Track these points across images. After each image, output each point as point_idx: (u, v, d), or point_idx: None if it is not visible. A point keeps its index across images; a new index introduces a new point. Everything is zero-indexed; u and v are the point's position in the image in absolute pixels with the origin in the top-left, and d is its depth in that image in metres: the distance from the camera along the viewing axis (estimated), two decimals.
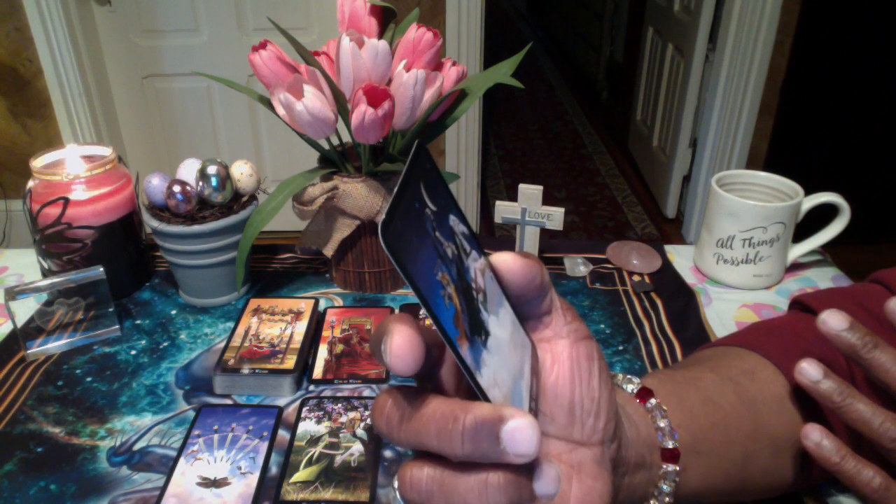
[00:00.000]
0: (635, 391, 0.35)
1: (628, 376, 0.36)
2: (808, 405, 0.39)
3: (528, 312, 0.29)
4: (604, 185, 2.97)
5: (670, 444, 0.34)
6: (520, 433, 0.22)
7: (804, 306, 0.47)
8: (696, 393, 0.38)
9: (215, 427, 0.53)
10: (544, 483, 0.25)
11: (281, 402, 0.56)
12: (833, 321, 0.36)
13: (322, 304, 0.68)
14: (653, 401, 0.35)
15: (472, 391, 0.24)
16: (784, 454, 0.39)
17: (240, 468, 0.49)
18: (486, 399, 0.24)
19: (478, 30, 2.18)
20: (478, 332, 0.24)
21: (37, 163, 0.67)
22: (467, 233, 0.25)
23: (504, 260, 0.26)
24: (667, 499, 0.34)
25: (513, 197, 0.70)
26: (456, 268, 0.23)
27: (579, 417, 0.28)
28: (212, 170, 0.65)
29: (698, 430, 0.36)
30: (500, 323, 0.25)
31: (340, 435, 0.52)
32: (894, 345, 0.36)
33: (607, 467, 0.28)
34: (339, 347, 0.62)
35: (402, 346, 0.22)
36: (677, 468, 0.34)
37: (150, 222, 0.66)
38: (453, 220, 0.24)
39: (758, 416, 0.39)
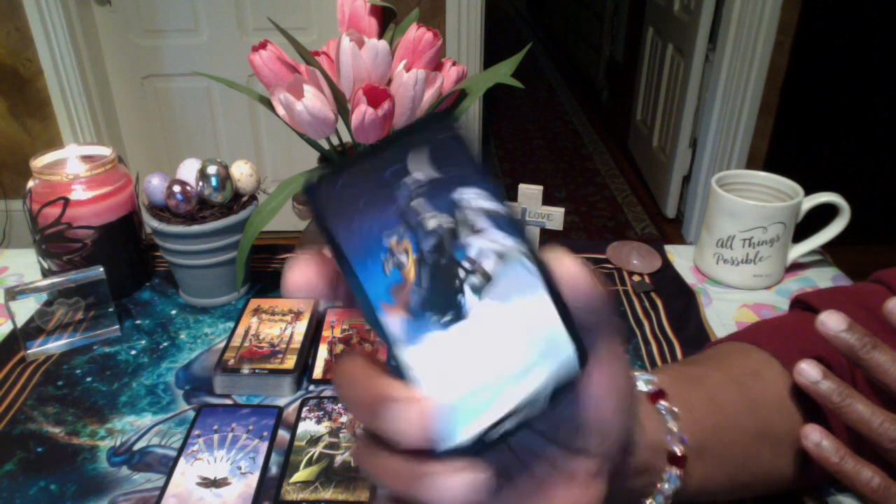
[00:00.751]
0: (650, 391, 0.35)
1: (646, 375, 0.35)
2: (811, 404, 0.39)
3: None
4: (604, 185, 2.97)
5: (678, 450, 0.33)
6: (398, 416, 0.21)
7: (806, 305, 0.47)
8: (702, 393, 0.38)
9: (215, 427, 0.53)
10: (447, 487, 0.22)
11: (281, 402, 0.56)
12: (831, 322, 0.36)
13: (322, 304, 0.68)
14: (665, 403, 0.34)
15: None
16: (785, 454, 0.39)
17: (240, 468, 0.49)
18: (404, 374, 0.22)
19: (478, 30, 2.18)
20: (437, 310, 0.22)
21: (37, 163, 0.67)
22: (495, 210, 0.23)
23: (565, 266, 0.24)
24: (665, 500, 0.34)
25: (513, 197, 0.70)
26: (435, 241, 0.22)
27: (588, 438, 0.27)
28: (212, 170, 0.65)
29: (702, 432, 0.36)
30: (505, 315, 0.23)
31: (340, 435, 0.52)
32: (894, 345, 0.36)
33: (602, 478, 0.28)
34: (340, 347, 0.62)
35: (296, 276, 0.22)
36: (681, 472, 0.33)
37: (150, 222, 0.66)
38: (469, 194, 0.23)
39: (760, 417, 0.39)
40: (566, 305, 0.24)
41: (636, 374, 0.35)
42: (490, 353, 0.23)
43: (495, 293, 0.23)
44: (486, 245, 0.23)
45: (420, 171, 0.22)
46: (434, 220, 0.22)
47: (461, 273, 0.23)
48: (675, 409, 0.34)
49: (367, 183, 0.21)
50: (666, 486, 0.33)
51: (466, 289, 0.23)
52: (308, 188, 0.21)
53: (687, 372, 0.39)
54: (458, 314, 0.22)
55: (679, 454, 0.33)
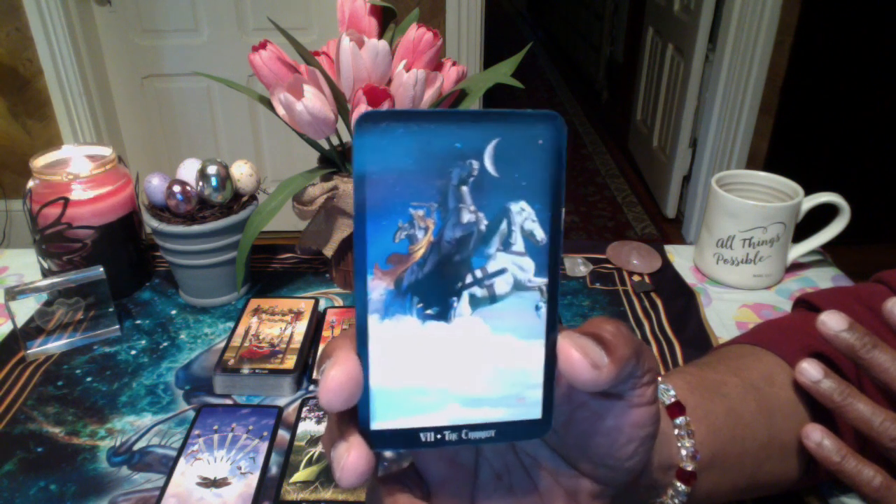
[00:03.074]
0: (669, 403, 0.34)
1: (663, 385, 0.34)
2: (819, 406, 0.39)
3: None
4: (604, 185, 2.97)
5: (689, 468, 0.33)
6: (325, 373, 0.21)
7: (809, 305, 0.47)
8: (721, 403, 0.37)
9: (215, 427, 0.53)
10: (338, 458, 0.23)
11: (281, 402, 0.56)
12: (832, 322, 0.36)
13: (322, 304, 0.68)
14: (682, 419, 0.33)
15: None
16: (792, 457, 0.39)
17: (240, 468, 0.49)
18: (362, 341, 0.21)
19: (478, 30, 2.18)
20: (425, 300, 0.21)
21: (37, 163, 0.67)
22: (539, 239, 0.21)
23: (566, 355, 0.22)
24: None
25: None
26: (461, 235, 0.21)
27: (598, 465, 0.27)
28: (212, 170, 0.64)
29: (718, 445, 0.35)
30: (489, 342, 0.22)
31: None
32: (895, 345, 0.36)
33: (605, 500, 0.28)
34: None
35: (338, 381, 0.21)
36: (689, 489, 0.33)
37: (150, 222, 0.66)
38: (525, 210, 0.21)
39: (773, 425, 0.38)
40: (553, 371, 0.22)
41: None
42: (453, 365, 0.22)
43: (490, 317, 0.22)
44: (510, 267, 0.21)
45: (490, 161, 0.21)
46: (472, 215, 0.21)
47: (468, 279, 0.21)
48: (692, 426, 0.33)
49: (426, 145, 0.20)
50: (674, 501, 0.33)
51: (464, 296, 0.21)
52: (366, 118, 0.19)
53: (702, 378, 0.39)
54: (443, 316, 0.21)
55: (689, 471, 0.33)
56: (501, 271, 0.21)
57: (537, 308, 0.22)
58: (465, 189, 0.20)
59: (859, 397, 0.36)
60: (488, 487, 0.27)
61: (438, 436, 0.22)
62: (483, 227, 0.21)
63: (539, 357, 0.22)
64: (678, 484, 0.33)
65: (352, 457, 0.22)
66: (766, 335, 0.44)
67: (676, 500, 0.33)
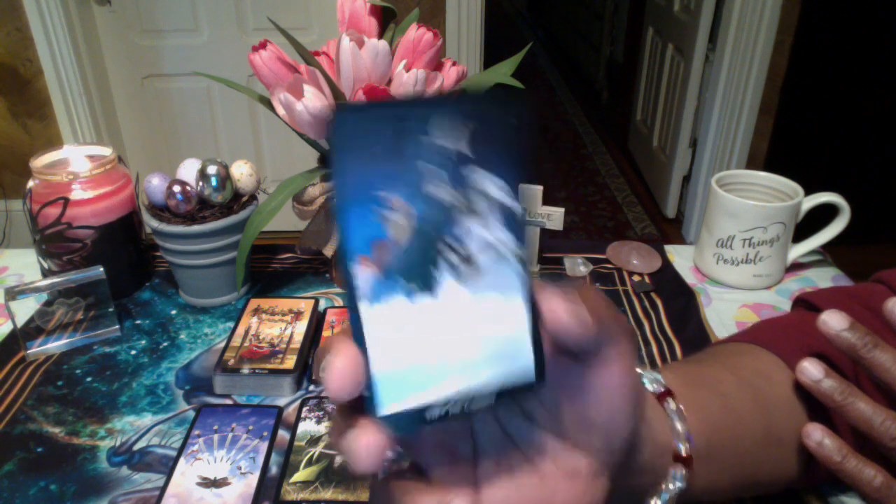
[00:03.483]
0: (657, 391, 0.34)
1: (653, 374, 0.35)
2: (817, 406, 0.39)
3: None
4: (604, 185, 2.97)
5: (683, 450, 0.33)
6: (332, 372, 0.22)
7: (809, 304, 0.47)
8: (716, 399, 0.37)
9: (215, 427, 0.53)
10: (351, 444, 0.23)
11: (281, 402, 0.56)
12: (833, 321, 0.36)
13: (322, 304, 0.68)
14: (673, 404, 0.34)
15: None
16: (791, 455, 0.39)
17: (240, 468, 0.49)
18: (358, 328, 0.22)
19: (478, 30, 2.18)
20: (410, 278, 0.22)
21: (37, 163, 0.67)
22: (510, 209, 0.23)
23: (550, 304, 0.23)
24: (670, 501, 0.33)
25: None
26: (433, 211, 0.22)
27: (592, 436, 0.27)
28: (212, 170, 0.65)
29: (714, 436, 0.35)
30: (474, 306, 0.23)
31: None
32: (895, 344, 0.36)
33: (604, 477, 0.28)
34: None
35: (343, 369, 0.22)
36: (687, 473, 0.33)
37: (150, 222, 0.66)
38: (491, 182, 0.22)
39: (771, 422, 0.38)
40: (538, 321, 0.24)
41: (642, 372, 0.35)
42: (446, 336, 0.23)
43: (472, 283, 0.23)
44: (483, 234, 0.23)
45: (455, 140, 0.22)
46: (442, 191, 0.22)
47: (445, 250, 0.22)
48: (682, 409, 0.34)
49: (394, 131, 0.21)
50: (671, 485, 0.33)
51: (445, 267, 0.22)
52: (337, 111, 0.20)
53: (698, 373, 0.39)
54: (429, 289, 0.22)
55: (685, 454, 0.33)
56: (476, 239, 0.23)
57: (516, 273, 0.23)
58: (433, 168, 0.22)
59: (860, 397, 0.36)
60: (489, 474, 0.27)
61: (444, 411, 0.23)
62: (458, 203, 0.22)
63: (524, 317, 0.23)
64: (675, 470, 0.33)
65: (364, 440, 0.22)
66: (764, 334, 0.44)
67: (675, 486, 0.33)
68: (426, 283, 0.22)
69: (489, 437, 0.28)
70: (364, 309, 0.22)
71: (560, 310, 0.23)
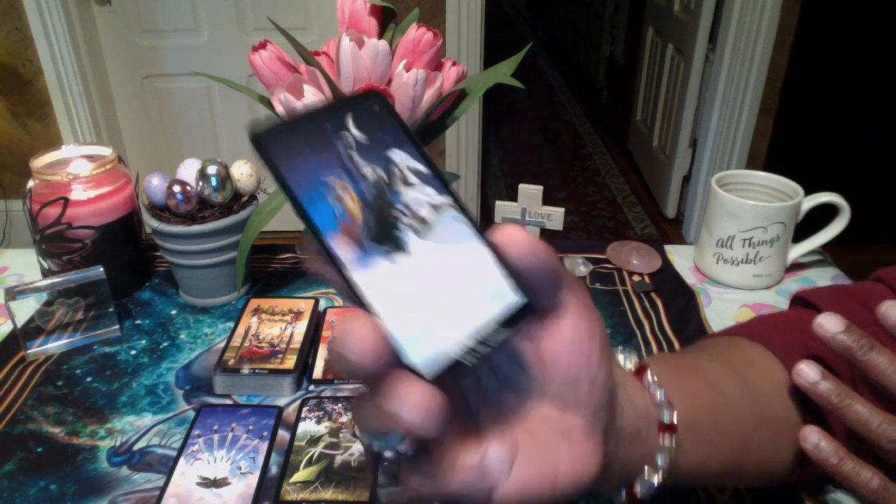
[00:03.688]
0: (633, 369, 0.35)
1: (627, 353, 0.36)
2: (811, 403, 0.39)
3: (540, 292, 0.28)
4: (604, 185, 2.97)
5: (667, 418, 0.33)
6: (348, 334, 0.22)
7: (806, 302, 0.47)
8: (697, 377, 0.38)
9: (215, 427, 0.53)
10: (401, 395, 0.23)
11: (281, 402, 0.56)
12: (829, 324, 0.36)
13: (322, 304, 0.68)
14: (650, 376, 0.34)
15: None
16: (783, 443, 0.39)
17: (240, 468, 0.49)
18: (357, 293, 0.23)
19: (478, 30, 2.18)
20: (382, 242, 0.24)
21: (37, 163, 0.67)
22: (424, 171, 0.26)
23: (507, 232, 0.26)
24: (662, 473, 0.34)
25: (513, 197, 0.70)
26: (374, 188, 0.25)
27: (573, 388, 0.28)
28: (212, 170, 0.65)
29: (697, 409, 0.36)
30: (440, 256, 0.25)
31: (340, 435, 0.52)
32: (892, 346, 0.36)
33: (598, 436, 0.29)
34: None
35: (363, 330, 0.22)
36: (673, 443, 0.33)
37: (150, 222, 0.66)
38: (400, 155, 0.26)
39: (758, 404, 0.39)
40: (503, 256, 0.26)
41: (618, 352, 0.36)
42: (436, 286, 0.25)
43: (432, 237, 0.25)
44: (420, 196, 0.26)
45: (351, 129, 0.26)
46: (370, 170, 0.25)
47: (399, 215, 0.25)
48: (659, 380, 0.34)
49: (309, 134, 0.25)
50: (660, 458, 0.33)
51: (405, 229, 0.25)
52: (254, 131, 0.25)
53: (682, 360, 0.40)
54: (402, 249, 0.25)
55: (667, 421, 0.33)
56: (416, 201, 0.25)
57: (460, 220, 0.26)
58: (354, 153, 0.25)
59: (857, 399, 0.36)
60: (492, 439, 0.28)
61: (468, 355, 0.24)
62: (385, 176, 0.25)
63: (488, 254, 0.26)
64: (661, 441, 0.33)
65: (417, 396, 0.22)
66: (759, 329, 0.45)
67: (664, 457, 0.33)
68: (397, 244, 0.25)
69: (481, 397, 0.29)
70: (356, 275, 0.24)
71: (515, 234, 0.25)
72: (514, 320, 0.25)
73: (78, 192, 0.65)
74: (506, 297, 0.25)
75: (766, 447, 0.39)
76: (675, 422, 0.33)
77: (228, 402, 0.56)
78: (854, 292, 0.47)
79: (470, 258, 0.25)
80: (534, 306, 0.26)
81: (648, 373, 0.34)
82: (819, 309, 0.37)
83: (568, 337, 0.28)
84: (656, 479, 0.33)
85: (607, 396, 0.29)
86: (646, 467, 0.33)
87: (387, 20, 0.65)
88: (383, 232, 0.24)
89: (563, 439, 0.28)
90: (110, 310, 0.64)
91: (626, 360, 0.36)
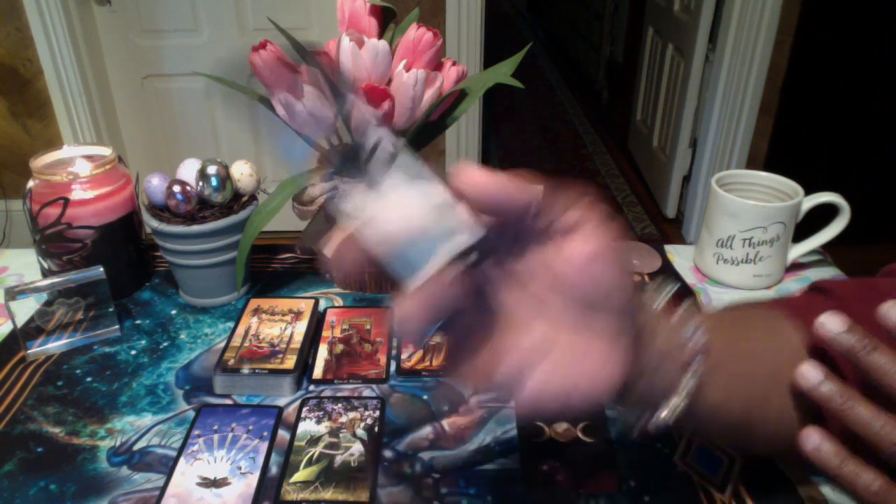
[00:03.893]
0: (667, 301, 0.36)
1: (663, 289, 0.37)
2: (826, 361, 0.39)
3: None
4: (604, 185, 2.97)
5: (698, 341, 0.34)
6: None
7: (822, 290, 0.47)
8: (731, 323, 0.39)
9: (215, 427, 0.53)
10: None
11: (281, 402, 0.56)
12: (831, 324, 0.36)
13: (322, 304, 0.68)
14: (685, 305, 0.35)
15: None
16: (796, 408, 0.39)
17: (240, 468, 0.49)
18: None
19: (478, 30, 2.18)
20: (359, 175, 0.30)
21: (37, 163, 0.67)
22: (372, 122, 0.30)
23: (466, 174, 0.28)
24: (687, 395, 0.34)
25: None
26: (351, 117, 0.30)
27: (590, 306, 0.30)
28: (212, 170, 0.65)
29: (729, 344, 0.37)
30: (414, 189, 0.29)
31: (340, 435, 0.52)
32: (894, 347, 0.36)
33: (627, 333, 0.30)
34: (339, 347, 0.62)
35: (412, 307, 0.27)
36: (702, 364, 0.34)
37: (150, 222, 0.66)
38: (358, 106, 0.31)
39: (777, 361, 0.39)
40: (457, 192, 0.29)
41: (653, 290, 0.37)
42: (417, 206, 0.28)
43: (400, 174, 0.29)
44: (384, 144, 0.29)
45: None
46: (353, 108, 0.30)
47: (371, 154, 0.29)
48: (690, 314, 0.35)
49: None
50: (688, 381, 0.34)
51: (378, 166, 0.29)
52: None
53: (708, 312, 0.41)
54: (378, 182, 0.29)
55: (699, 345, 0.34)
56: (383, 137, 0.29)
57: (415, 160, 0.29)
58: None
59: (860, 401, 0.36)
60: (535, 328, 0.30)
61: (472, 255, 0.29)
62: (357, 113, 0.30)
63: (444, 190, 0.29)
64: (693, 363, 0.34)
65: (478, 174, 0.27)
66: (771, 304, 0.45)
67: (693, 381, 0.34)
68: (372, 180, 0.29)
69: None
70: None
71: (473, 173, 0.28)
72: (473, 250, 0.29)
73: (78, 192, 0.65)
74: (466, 226, 0.29)
75: (783, 404, 0.39)
76: (707, 344, 0.34)
77: (228, 402, 0.56)
78: (874, 285, 0.46)
79: (432, 192, 0.29)
80: (482, 231, 0.29)
81: (681, 307, 0.35)
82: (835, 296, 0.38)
83: (576, 257, 0.30)
84: (681, 404, 0.34)
85: (629, 314, 0.31)
86: (673, 396, 0.34)
87: (387, 20, 0.65)
88: (360, 164, 0.29)
89: (595, 340, 0.30)
90: (110, 310, 0.64)
91: (660, 296, 0.37)
